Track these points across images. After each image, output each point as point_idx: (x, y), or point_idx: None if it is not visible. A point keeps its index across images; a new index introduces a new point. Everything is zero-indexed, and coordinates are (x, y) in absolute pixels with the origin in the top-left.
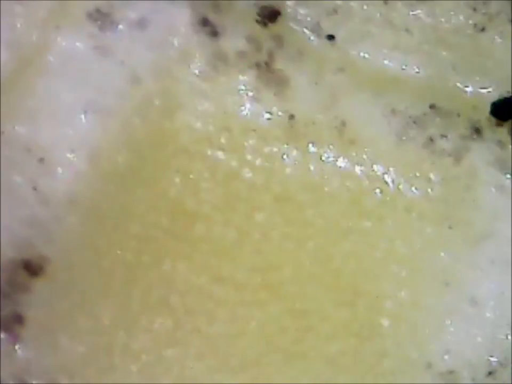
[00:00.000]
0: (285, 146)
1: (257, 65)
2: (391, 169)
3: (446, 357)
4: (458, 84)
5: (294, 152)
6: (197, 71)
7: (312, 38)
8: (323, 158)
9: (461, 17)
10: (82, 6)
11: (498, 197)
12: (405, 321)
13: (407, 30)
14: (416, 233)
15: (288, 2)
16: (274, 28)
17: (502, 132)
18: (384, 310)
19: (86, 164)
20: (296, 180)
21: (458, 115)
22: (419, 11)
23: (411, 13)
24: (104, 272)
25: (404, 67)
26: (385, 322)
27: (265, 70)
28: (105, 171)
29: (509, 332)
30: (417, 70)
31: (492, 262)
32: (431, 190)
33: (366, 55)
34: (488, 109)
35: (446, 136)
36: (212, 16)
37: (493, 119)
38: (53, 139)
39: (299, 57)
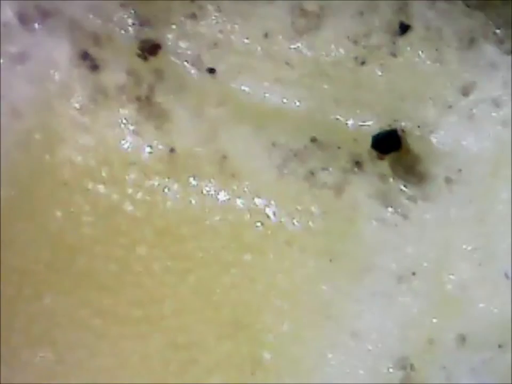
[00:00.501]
0: (166, 179)
1: (138, 98)
2: (272, 202)
3: None
4: (339, 117)
5: (175, 186)
6: (77, 105)
7: (192, 71)
8: (204, 192)
9: (342, 50)
10: None
11: (379, 230)
12: (286, 354)
13: (287, 63)
14: (298, 267)
15: (169, 36)
16: (154, 61)
17: (383, 165)
18: (266, 343)
19: None
20: (177, 213)
21: (339, 148)
22: (299, 44)
23: (291, 46)
24: None
25: (284, 100)
26: (266, 355)
27: (146, 103)
28: None
29: (391, 365)
30: (297, 103)
31: (372, 295)
32: (312, 223)
33: (247, 89)
34: (369, 142)
35: (327, 169)
36: (92, 50)
37: (374, 152)
38: None
39: (180, 90)
